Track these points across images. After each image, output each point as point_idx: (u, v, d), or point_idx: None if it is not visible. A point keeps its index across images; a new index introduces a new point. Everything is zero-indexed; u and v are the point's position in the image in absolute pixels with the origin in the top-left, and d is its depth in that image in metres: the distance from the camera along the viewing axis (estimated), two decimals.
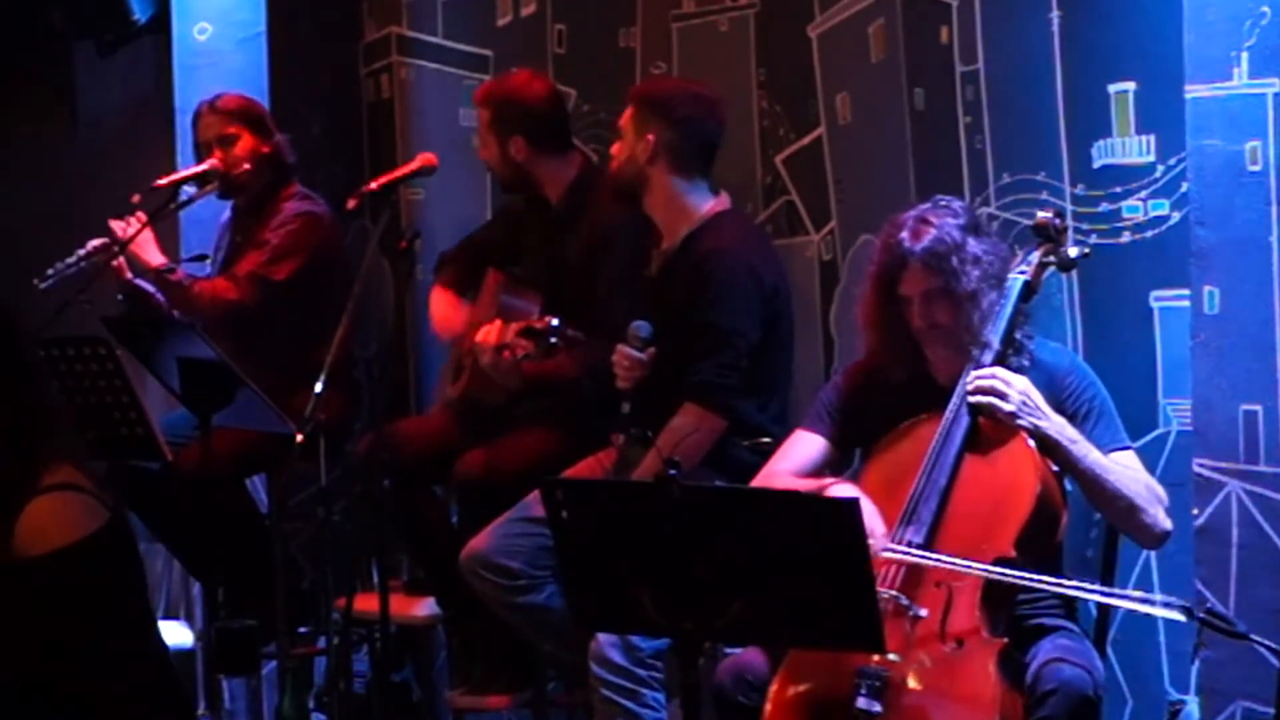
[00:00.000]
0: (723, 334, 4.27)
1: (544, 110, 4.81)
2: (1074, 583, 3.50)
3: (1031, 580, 3.42)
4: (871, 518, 3.47)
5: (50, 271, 4.97)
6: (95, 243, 5.02)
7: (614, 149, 4.51)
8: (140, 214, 5.06)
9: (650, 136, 4.38)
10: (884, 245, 3.69)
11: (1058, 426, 3.56)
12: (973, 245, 3.62)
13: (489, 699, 4.80)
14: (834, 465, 3.89)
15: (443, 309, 4.98)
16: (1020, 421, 3.54)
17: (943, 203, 3.71)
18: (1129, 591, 3.64)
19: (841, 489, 3.59)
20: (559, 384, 4.54)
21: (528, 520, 4.32)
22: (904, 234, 3.64)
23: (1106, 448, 3.60)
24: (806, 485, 3.69)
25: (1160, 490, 3.61)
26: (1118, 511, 3.57)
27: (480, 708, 4.86)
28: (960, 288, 3.60)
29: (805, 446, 3.87)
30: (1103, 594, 3.55)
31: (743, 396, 4.29)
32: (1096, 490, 3.56)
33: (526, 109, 4.79)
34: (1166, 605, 3.32)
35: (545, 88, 4.86)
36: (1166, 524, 3.59)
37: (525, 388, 4.57)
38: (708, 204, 4.42)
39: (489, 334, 4.41)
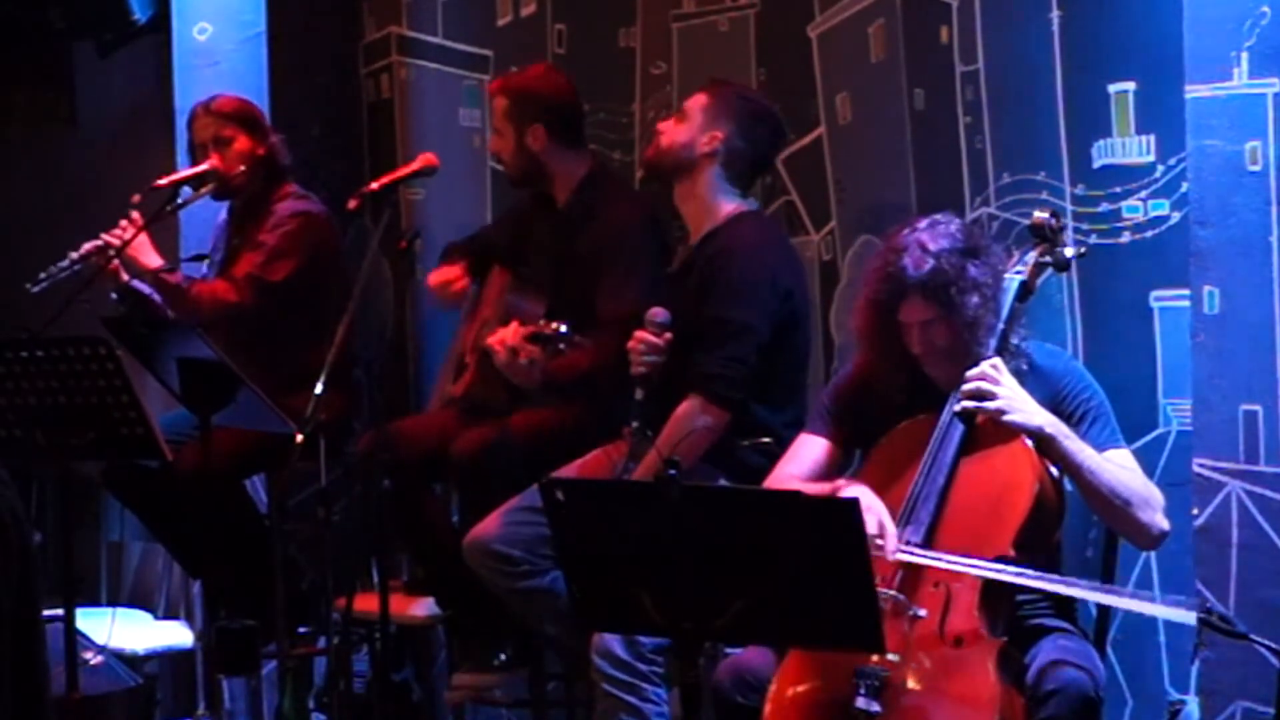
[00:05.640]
0: (732, 328, 4.27)
1: (563, 102, 4.82)
2: (1085, 582, 3.52)
3: (1037, 579, 3.43)
4: (885, 517, 3.49)
5: (43, 275, 4.96)
6: (88, 245, 5.01)
7: (665, 125, 4.47)
8: (136, 216, 5.05)
9: (719, 133, 4.37)
10: (883, 272, 3.67)
11: (1049, 421, 3.55)
12: (972, 270, 3.60)
13: (484, 675, 4.79)
14: (840, 466, 3.89)
15: (444, 274, 4.97)
16: (1008, 418, 3.53)
17: (941, 223, 3.68)
18: (1139, 592, 3.65)
19: (853, 490, 3.58)
20: (575, 379, 4.53)
21: (530, 510, 4.31)
22: (904, 261, 3.61)
23: (1103, 448, 3.60)
24: (818, 489, 3.68)
25: (1157, 492, 3.60)
26: (1113, 510, 3.56)
27: (476, 684, 4.85)
28: (960, 318, 3.60)
29: (810, 449, 3.88)
30: (1111, 593, 3.56)
31: (751, 395, 4.30)
32: (1091, 487, 3.55)
33: (546, 98, 4.80)
34: (1174, 604, 3.35)
35: (565, 80, 4.87)
36: (1163, 524, 3.58)
37: (542, 385, 4.55)
38: (733, 204, 4.43)
39: (505, 337, 4.42)
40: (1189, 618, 3.33)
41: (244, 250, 5.15)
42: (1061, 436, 3.54)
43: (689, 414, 4.25)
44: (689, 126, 4.41)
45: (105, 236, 5.03)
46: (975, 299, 3.59)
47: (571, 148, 4.82)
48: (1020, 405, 3.55)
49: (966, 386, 3.57)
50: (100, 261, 4.98)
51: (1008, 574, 3.42)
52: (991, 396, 3.54)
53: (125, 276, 5.07)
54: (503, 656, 4.78)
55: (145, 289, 5.10)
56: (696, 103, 4.43)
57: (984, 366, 3.57)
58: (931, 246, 3.61)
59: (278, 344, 5.04)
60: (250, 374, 4.49)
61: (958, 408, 3.57)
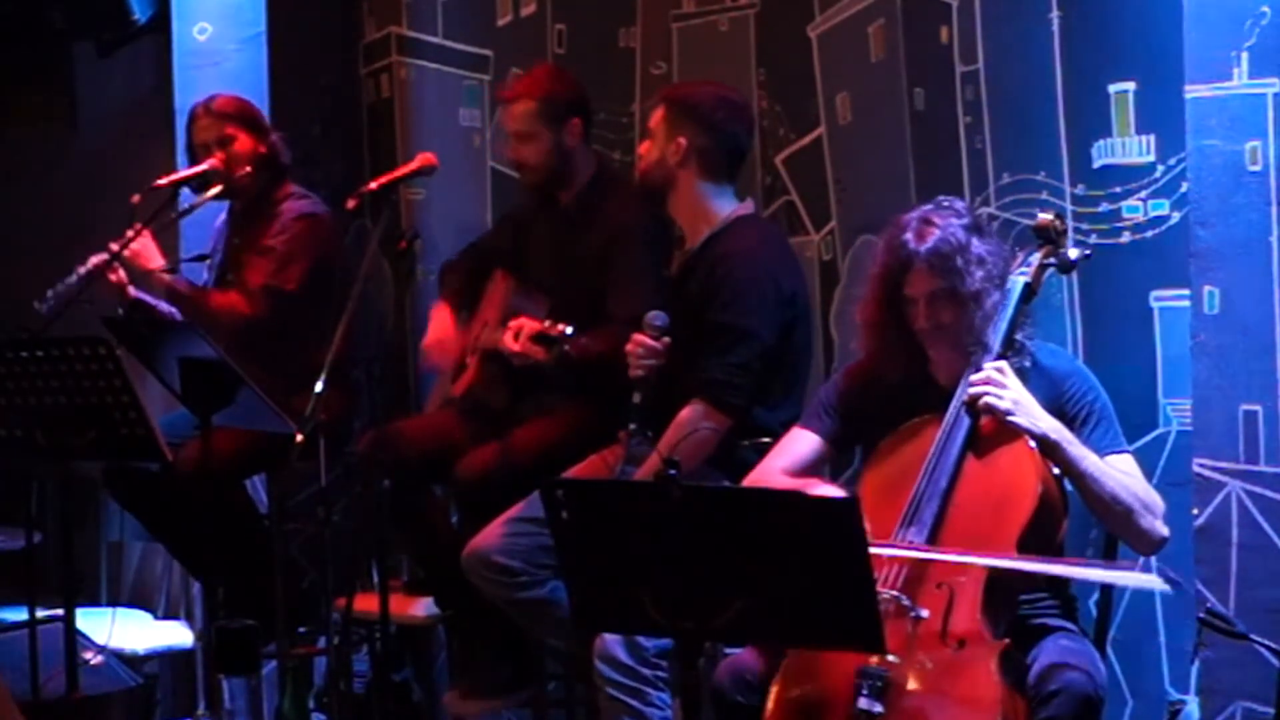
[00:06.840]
0: (737, 333, 4.28)
1: (585, 97, 4.85)
2: (1060, 561, 3.54)
3: (1013, 565, 3.44)
4: None
5: (49, 294, 4.93)
6: (95, 259, 4.98)
7: (641, 149, 4.52)
8: (137, 225, 5.03)
9: (682, 140, 4.38)
10: (888, 246, 3.70)
11: (1054, 427, 3.56)
12: (977, 246, 3.63)
13: (487, 701, 4.80)
14: (830, 463, 3.89)
15: (439, 332, 4.95)
16: (1014, 419, 3.54)
17: (945, 203, 3.72)
18: (1119, 563, 3.66)
19: (825, 490, 3.60)
20: (591, 360, 4.51)
21: (529, 520, 4.32)
22: (908, 235, 3.65)
23: (1104, 451, 3.60)
24: (791, 485, 3.70)
25: (1157, 498, 3.60)
26: (1114, 516, 3.57)
27: (478, 711, 4.85)
28: (965, 288, 3.61)
29: (800, 444, 3.88)
30: (1087, 566, 3.59)
31: (753, 398, 4.30)
32: (1093, 493, 3.55)
33: (573, 93, 4.82)
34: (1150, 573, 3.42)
35: (576, 77, 4.89)
36: (1163, 531, 3.58)
37: (557, 363, 4.53)
38: (730, 208, 4.43)
39: (506, 341, 4.43)
40: (1165, 586, 3.36)
41: (247, 253, 5.15)
42: (1065, 443, 3.54)
43: (692, 419, 4.26)
44: (656, 143, 4.44)
45: (113, 247, 5.02)
46: (980, 272, 3.61)
47: (587, 144, 4.84)
48: (1026, 409, 3.55)
49: (973, 390, 3.57)
50: (104, 273, 4.96)
51: (981, 562, 3.44)
52: (998, 397, 3.54)
53: (131, 290, 5.05)
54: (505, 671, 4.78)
55: (150, 299, 5.10)
56: (655, 118, 4.47)
57: (989, 370, 3.58)
58: (937, 220, 3.65)
59: (281, 345, 5.04)
60: (252, 375, 4.49)
61: (966, 397, 3.58)
